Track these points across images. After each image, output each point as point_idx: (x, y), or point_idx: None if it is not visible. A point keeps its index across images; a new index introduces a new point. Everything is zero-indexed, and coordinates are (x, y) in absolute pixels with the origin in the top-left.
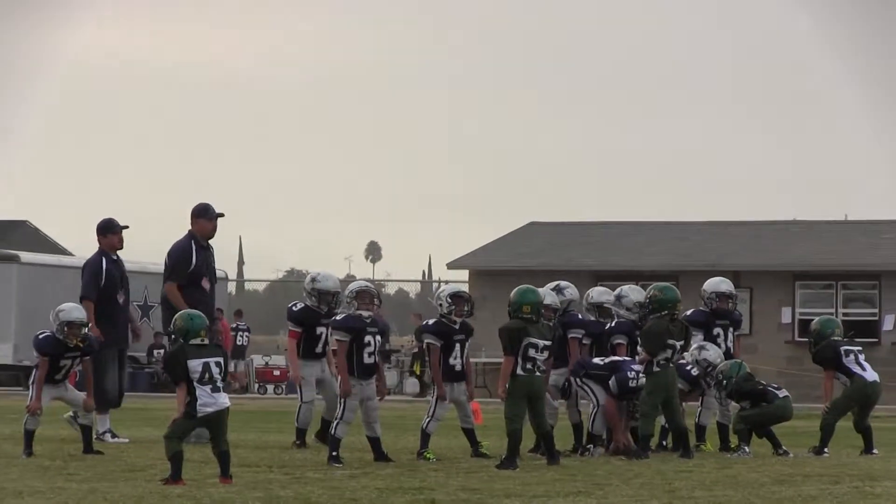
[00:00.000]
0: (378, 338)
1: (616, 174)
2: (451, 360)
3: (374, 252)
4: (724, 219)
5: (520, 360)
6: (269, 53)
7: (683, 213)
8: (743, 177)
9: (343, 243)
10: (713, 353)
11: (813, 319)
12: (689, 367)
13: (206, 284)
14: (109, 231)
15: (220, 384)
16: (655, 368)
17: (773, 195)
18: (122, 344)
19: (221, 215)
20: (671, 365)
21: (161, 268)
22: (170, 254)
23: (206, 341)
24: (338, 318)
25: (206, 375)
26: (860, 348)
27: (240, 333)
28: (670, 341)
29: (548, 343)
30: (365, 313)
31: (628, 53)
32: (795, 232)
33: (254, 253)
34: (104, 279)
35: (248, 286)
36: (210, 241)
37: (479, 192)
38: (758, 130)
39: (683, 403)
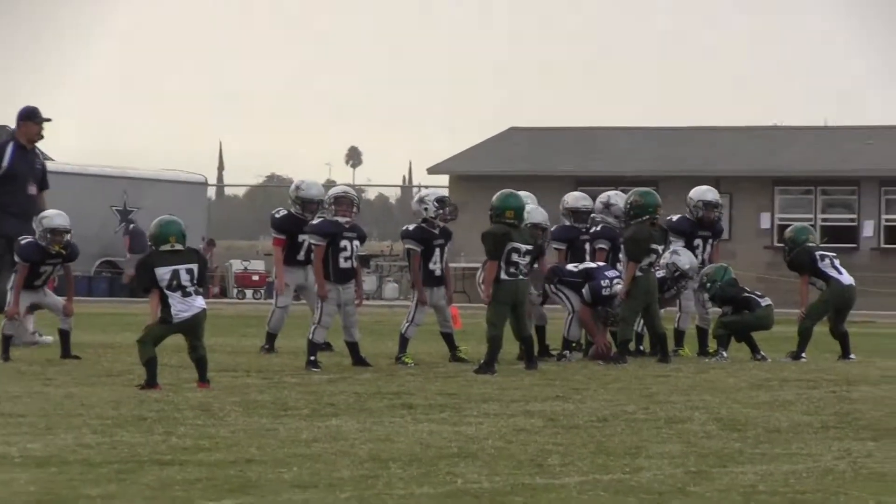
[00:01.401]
0: (356, 243)
1: (598, 79)
2: (431, 265)
3: (354, 157)
4: (706, 124)
5: (503, 265)
6: None
7: (665, 119)
8: (725, 83)
9: (324, 148)
10: (684, 259)
11: (792, 222)
12: (656, 269)
13: (31, 189)
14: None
15: (190, 290)
16: (638, 273)
17: (754, 101)
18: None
19: (48, 120)
20: (652, 270)
21: (140, 172)
22: None
23: (178, 246)
24: (314, 222)
25: (175, 282)
26: (835, 254)
27: None
28: (653, 246)
29: (530, 248)
30: (342, 219)
31: None
32: (776, 138)
33: (234, 158)
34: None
35: (227, 191)
36: (38, 145)
37: (461, 97)
38: (741, 35)
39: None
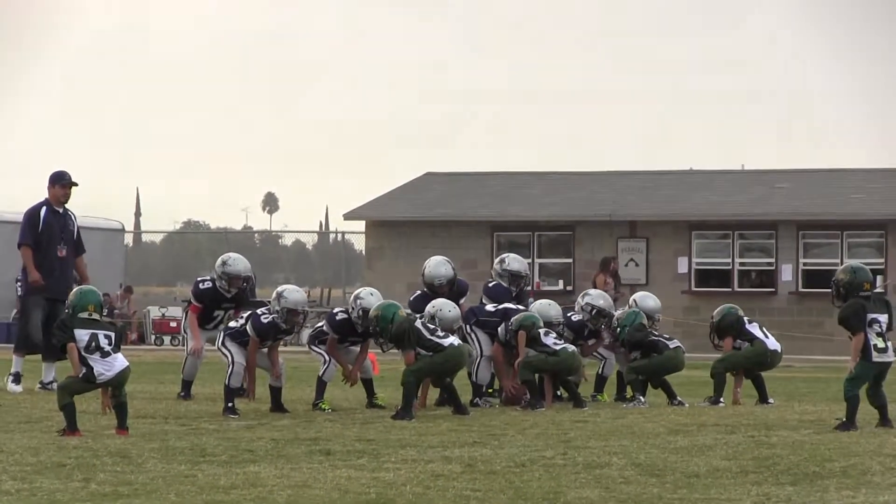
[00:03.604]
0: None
1: (513, 124)
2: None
3: (271, 203)
4: (621, 169)
5: (422, 351)
6: (168, 7)
7: (580, 164)
8: (640, 127)
9: (240, 194)
10: (595, 296)
11: (710, 266)
12: (571, 315)
13: (61, 252)
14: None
15: (109, 350)
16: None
17: (669, 145)
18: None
19: (75, 184)
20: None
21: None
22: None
23: (95, 316)
24: (262, 318)
25: (94, 344)
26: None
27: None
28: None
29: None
30: (285, 326)
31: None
32: (692, 182)
33: (151, 204)
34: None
35: (145, 238)
36: (68, 208)
37: (376, 143)
38: (655, 80)
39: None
